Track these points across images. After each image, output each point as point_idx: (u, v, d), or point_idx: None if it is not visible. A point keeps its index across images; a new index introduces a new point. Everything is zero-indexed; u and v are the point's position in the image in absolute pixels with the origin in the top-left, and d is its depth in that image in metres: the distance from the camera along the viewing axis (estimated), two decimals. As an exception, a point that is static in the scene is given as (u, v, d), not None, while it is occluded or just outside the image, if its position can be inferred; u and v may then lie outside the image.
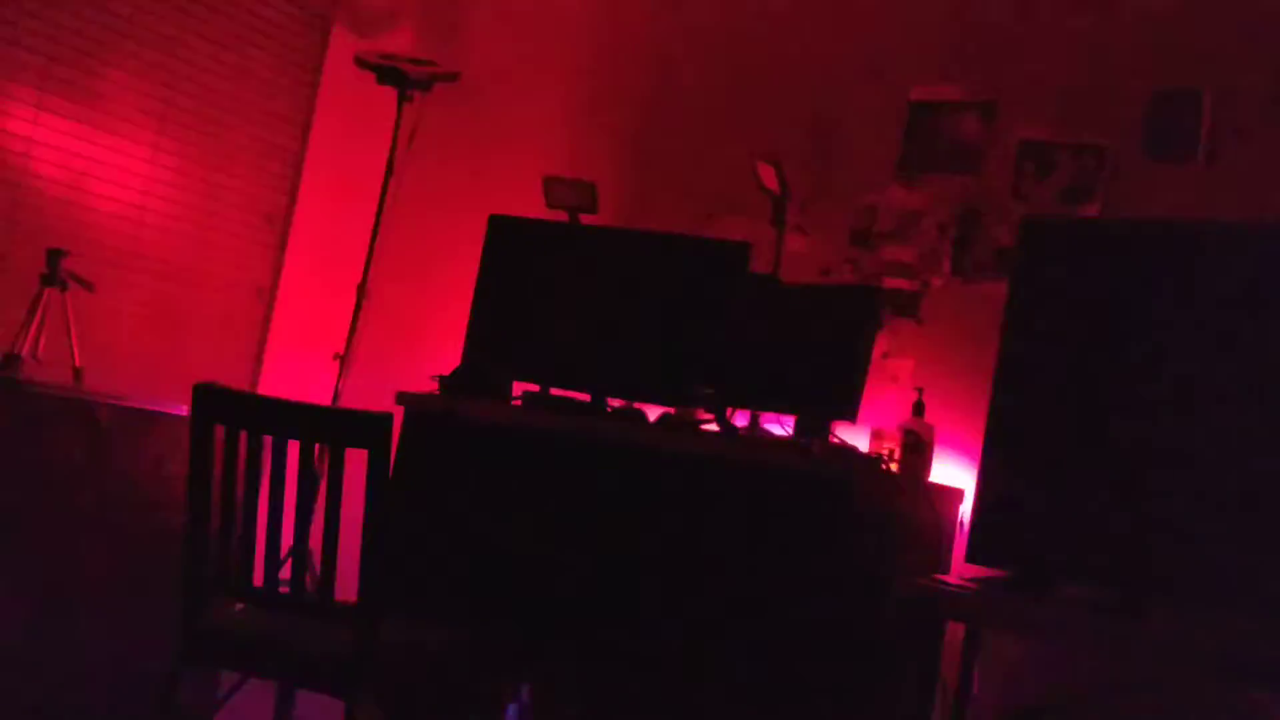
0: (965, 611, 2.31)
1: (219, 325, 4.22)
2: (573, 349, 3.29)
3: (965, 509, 3.14)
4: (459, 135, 4.36)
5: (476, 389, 3.21)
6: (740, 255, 3.17)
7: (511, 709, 3.21)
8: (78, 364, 3.26)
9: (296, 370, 4.31)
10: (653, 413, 3.19)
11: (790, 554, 2.76)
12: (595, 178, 3.55)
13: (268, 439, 2.44)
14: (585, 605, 2.94)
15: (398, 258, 4.12)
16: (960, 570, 2.51)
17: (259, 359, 4.35)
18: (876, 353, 3.33)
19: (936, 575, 2.39)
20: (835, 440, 3.05)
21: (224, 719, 3.26)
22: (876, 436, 3.17)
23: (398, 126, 3.86)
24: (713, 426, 3.08)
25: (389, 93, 3.85)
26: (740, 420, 3.22)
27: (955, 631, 2.42)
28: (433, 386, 3.22)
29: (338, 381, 3.79)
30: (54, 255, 3.25)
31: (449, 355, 3.45)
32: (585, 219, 3.52)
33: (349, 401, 3.63)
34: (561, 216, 3.52)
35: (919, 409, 3.14)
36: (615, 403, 3.25)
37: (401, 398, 3.18)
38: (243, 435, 2.45)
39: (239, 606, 2.62)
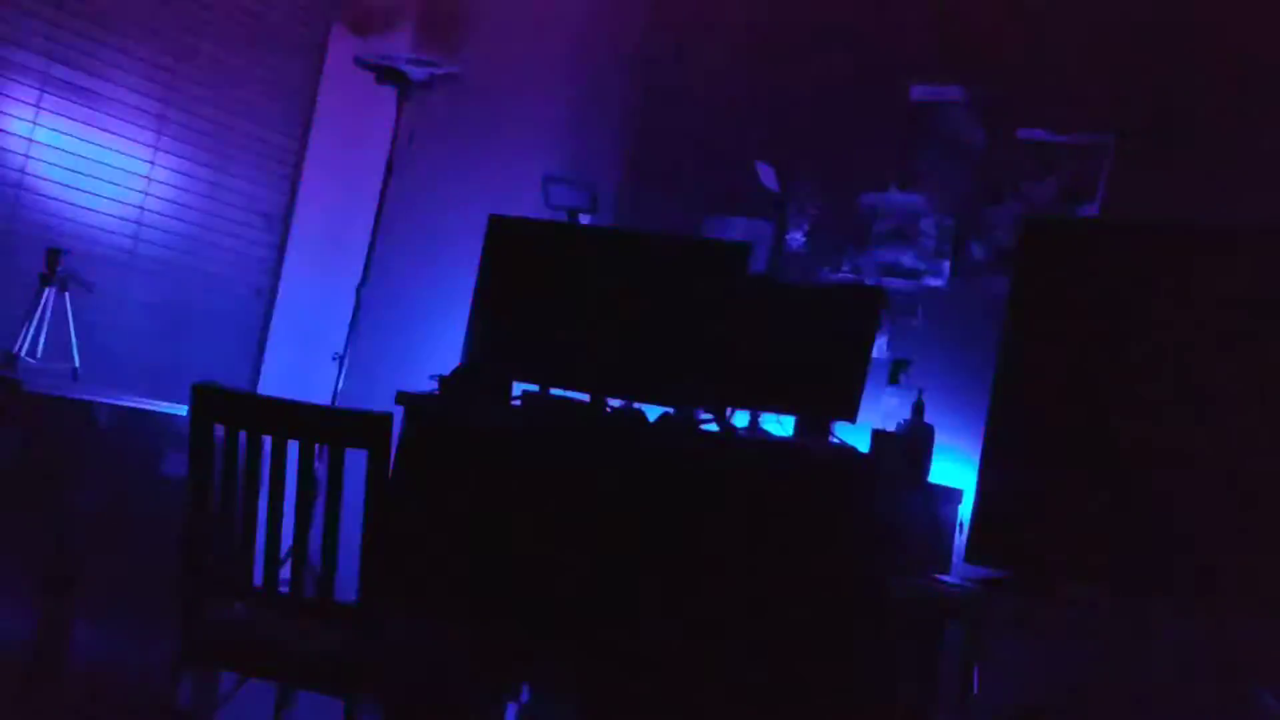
0: (965, 611, 2.31)
1: (219, 325, 4.22)
2: (572, 349, 3.29)
3: (965, 509, 3.14)
4: (459, 135, 4.36)
5: (476, 389, 3.21)
6: (740, 255, 3.17)
7: (511, 709, 3.21)
8: (77, 364, 3.26)
9: (296, 370, 4.31)
10: (653, 413, 3.19)
11: (790, 554, 2.75)
12: (595, 178, 3.55)
13: (267, 439, 2.44)
14: (585, 605, 2.94)
15: (397, 258, 4.12)
16: (960, 570, 2.51)
17: (259, 359, 4.35)
18: (876, 353, 3.33)
19: (936, 575, 2.39)
20: (835, 440, 3.05)
21: (224, 719, 3.26)
22: (876, 436, 3.17)
23: (398, 126, 3.86)
24: (713, 426, 3.08)
25: (389, 92, 3.86)
26: (740, 420, 3.22)
27: (955, 632, 2.42)
28: (432, 386, 3.22)
29: (337, 381, 3.80)
30: (54, 255, 3.25)
31: (449, 355, 3.45)
32: (585, 219, 3.52)
33: (349, 401, 3.63)
34: (561, 216, 3.52)
35: (919, 409, 3.14)
36: (615, 402, 3.25)
37: (401, 398, 3.18)
38: (242, 435, 2.45)
39: (239, 606, 2.62)
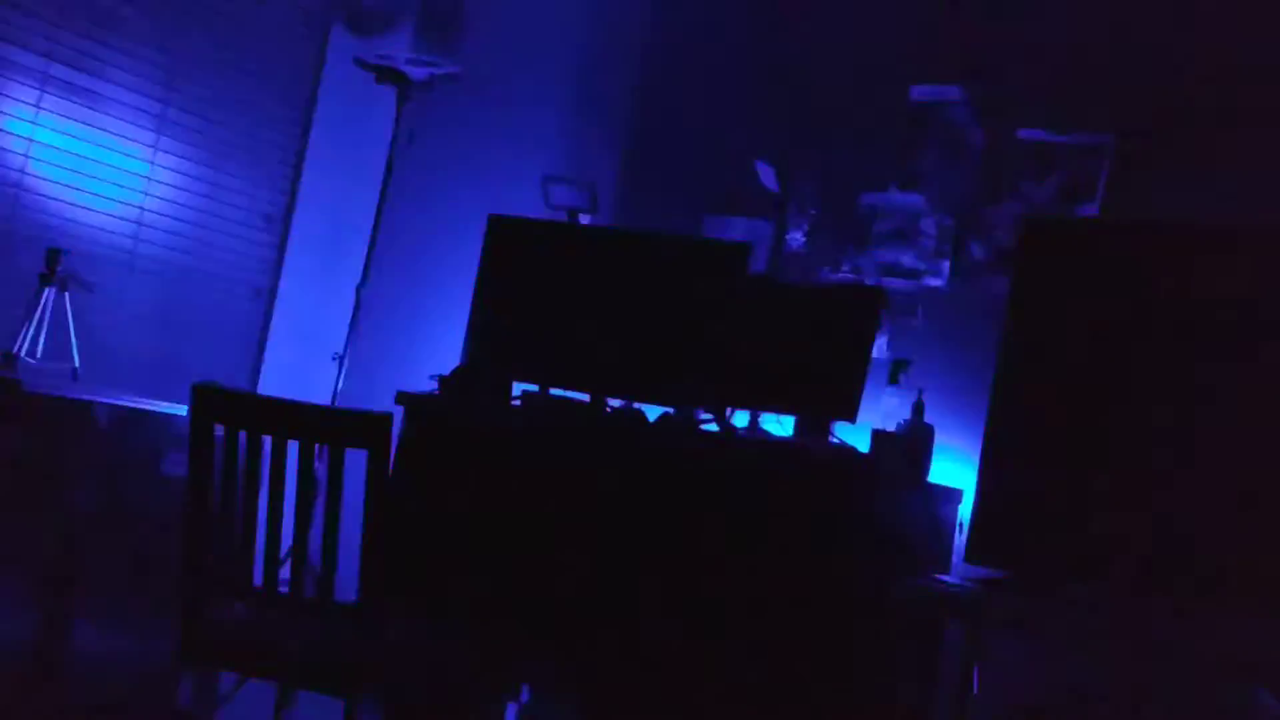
0: (965, 611, 2.31)
1: (219, 325, 4.22)
2: (572, 349, 3.29)
3: (965, 509, 3.14)
4: (458, 135, 4.36)
5: (476, 389, 3.21)
6: (740, 255, 3.17)
7: (511, 709, 3.21)
8: (77, 364, 3.26)
9: (296, 370, 4.31)
10: (653, 413, 3.19)
11: (790, 554, 2.75)
12: (595, 178, 3.55)
13: (267, 439, 2.44)
14: (585, 605, 2.94)
15: (397, 258, 4.12)
16: (960, 570, 2.51)
17: (259, 359, 4.35)
18: (876, 353, 3.33)
19: (936, 575, 2.39)
20: (835, 440, 3.05)
21: (224, 719, 3.26)
22: (876, 437, 3.17)
23: (397, 126, 3.86)
24: (713, 426, 3.08)
25: (389, 92, 3.86)
26: (740, 420, 3.22)
27: (955, 632, 2.42)
28: (432, 386, 3.22)
29: (337, 381, 3.80)
30: (54, 255, 3.25)
31: (449, 355, 3.45)
32: (585, 219, 3.52)
33: (349, 401, 3.63)
34: (561, 216, 3.52)
35: (919, 409, 3.13)
36: (615, 402, 3.25)
37: (401, 398, 3.18)
38: (242, 435, 2.45)
39: (239, 606, 2.61)
